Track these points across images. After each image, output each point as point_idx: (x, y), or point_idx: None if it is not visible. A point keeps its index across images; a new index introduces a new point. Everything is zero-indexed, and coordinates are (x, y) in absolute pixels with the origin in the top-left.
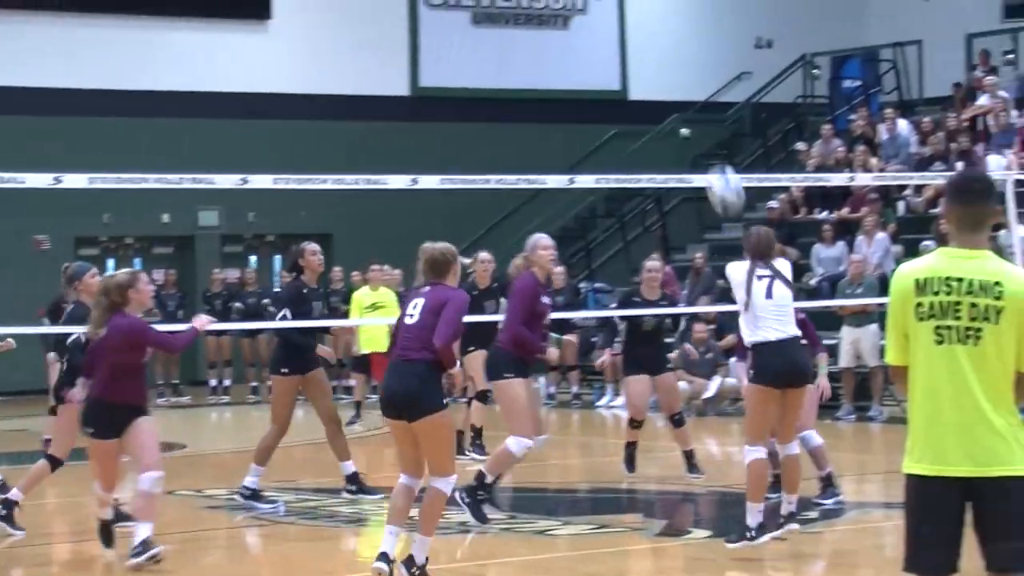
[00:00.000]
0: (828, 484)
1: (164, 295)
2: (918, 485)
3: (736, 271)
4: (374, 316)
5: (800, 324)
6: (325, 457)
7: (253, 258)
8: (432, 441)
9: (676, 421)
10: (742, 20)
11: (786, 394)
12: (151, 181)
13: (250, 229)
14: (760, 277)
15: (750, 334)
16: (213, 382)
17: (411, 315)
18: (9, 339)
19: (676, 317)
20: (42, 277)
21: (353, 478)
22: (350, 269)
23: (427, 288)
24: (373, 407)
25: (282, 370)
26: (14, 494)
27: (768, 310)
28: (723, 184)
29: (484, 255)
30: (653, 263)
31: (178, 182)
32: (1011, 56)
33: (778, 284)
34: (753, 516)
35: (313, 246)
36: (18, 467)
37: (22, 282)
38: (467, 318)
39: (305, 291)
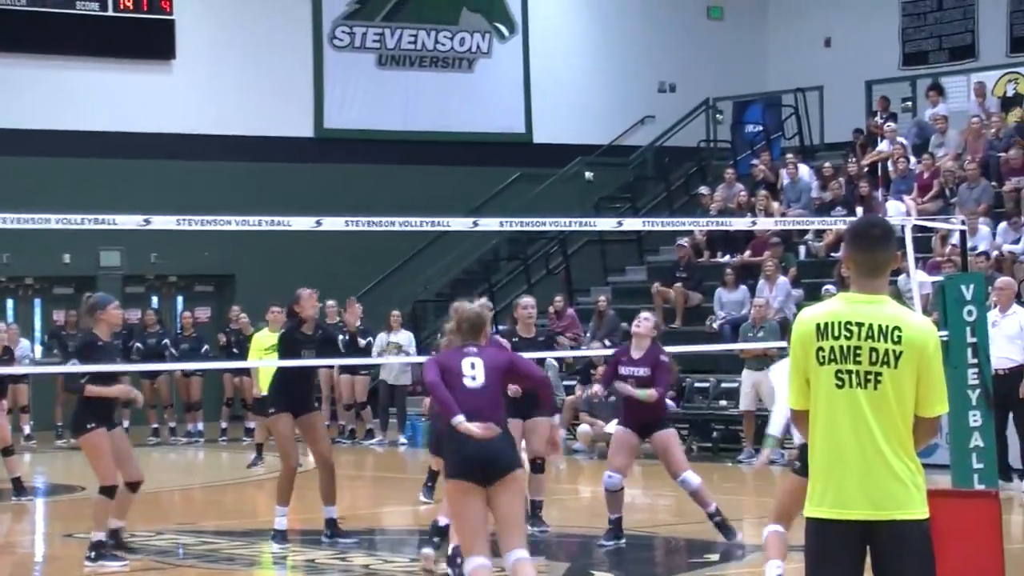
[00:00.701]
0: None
1: (64, 336)
2: (819, 528)
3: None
4: (273, 358)
5: (659, 365)
6: (227, 499)
7: (155, 298)
8: (514, 498)
9: (536, 466)
10: (645, 64)
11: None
12: (53, 221)
13: (152, 270)
14: None
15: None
16: None
17: (472, 377)
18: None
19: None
20: None
21: (331, 523)
22: (252, 310)
23: (472, 349)
24: (272, 448)
25: (270, 410)
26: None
27: None
28: None
29: (527, 300)
30: (527, 300)
31: (80, 222)
32: (909, 103)
33: None
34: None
35: (309, 291)
36: None
37: None
38: None
39: (299, 334)
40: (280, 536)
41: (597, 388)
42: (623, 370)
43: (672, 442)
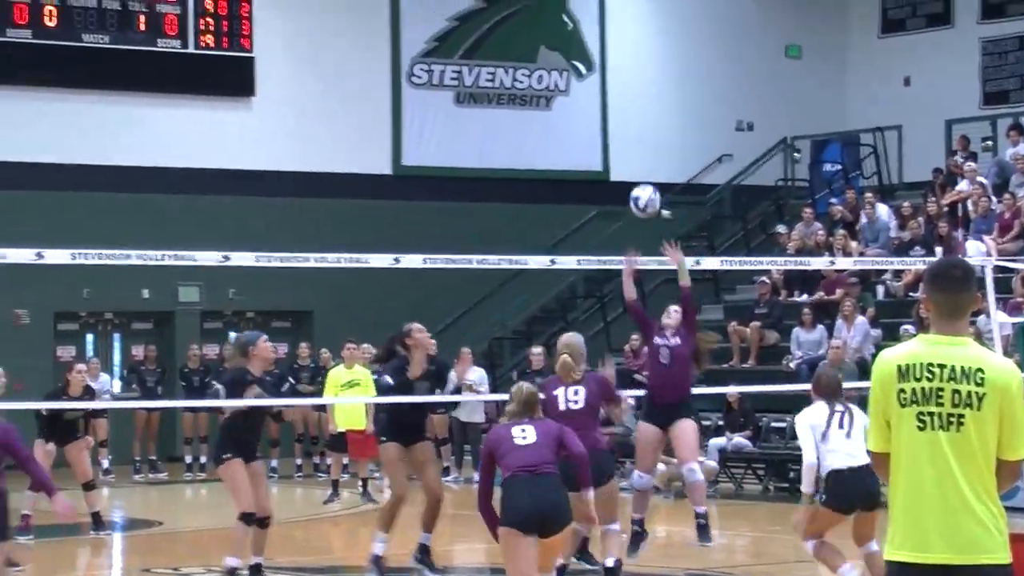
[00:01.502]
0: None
1: (143, 371)
2: (900, 572)
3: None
4: (349, 394)
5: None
6: (302, 535)
7: (232, 334)
8: (554, 549)
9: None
10: (723, 103)
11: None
12: (133, 257)
13: (230, 305)
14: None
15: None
16: (189, 458)
17: (523, 437)
18: None
19: None
20: (22, 351)
21: (424, 550)
22: (330, 346)
23: (526, 420)
24: (348, 485)
25: (381, 438)
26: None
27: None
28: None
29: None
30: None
31: (160, 258)
32: (990, 142)
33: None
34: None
35: (419, 325)
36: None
37: (1, 357)
38: None
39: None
40: (376, 561)
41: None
42: (657, 340)
43: (690, 430)
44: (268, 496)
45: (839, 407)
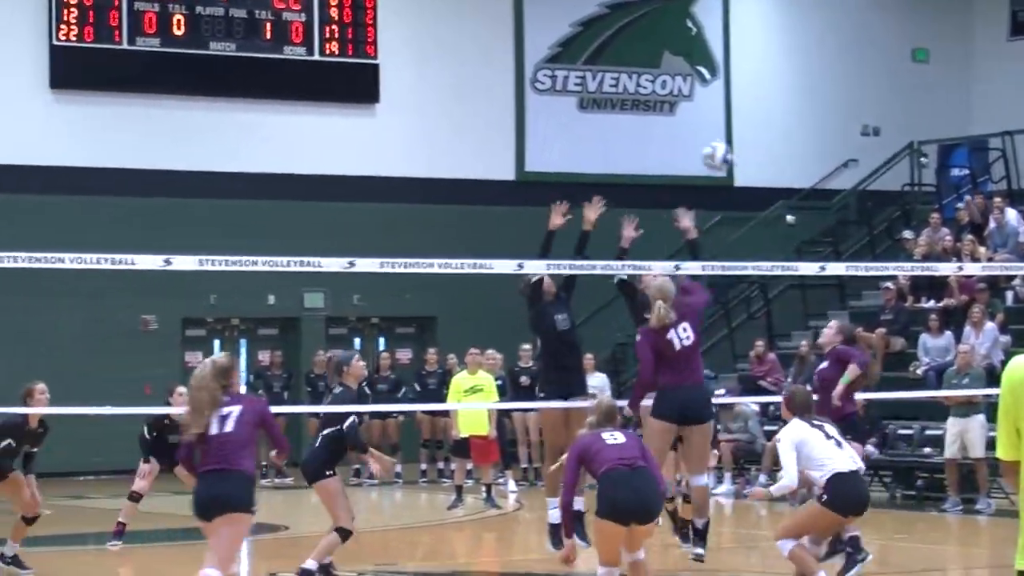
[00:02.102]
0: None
1: (269, 376)
2: None
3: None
4: (472, 400)
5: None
6: (426, 540)
7: (358, 340)
8: (647, 534)
9: None
10: (849, 107)
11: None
12: (259, 263)
13: (355, 311)
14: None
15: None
16: None
17: (614, 439)
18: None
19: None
20: (149, 356)
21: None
22: (453, 352)
23: (609, 428)
24: (471, 491)
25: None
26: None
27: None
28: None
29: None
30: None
31: (286, 265)
32: None
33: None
34: None
35: None
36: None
37: (130, 362)
38: None
39: None
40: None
41: None
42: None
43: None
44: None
45: (816, 422)
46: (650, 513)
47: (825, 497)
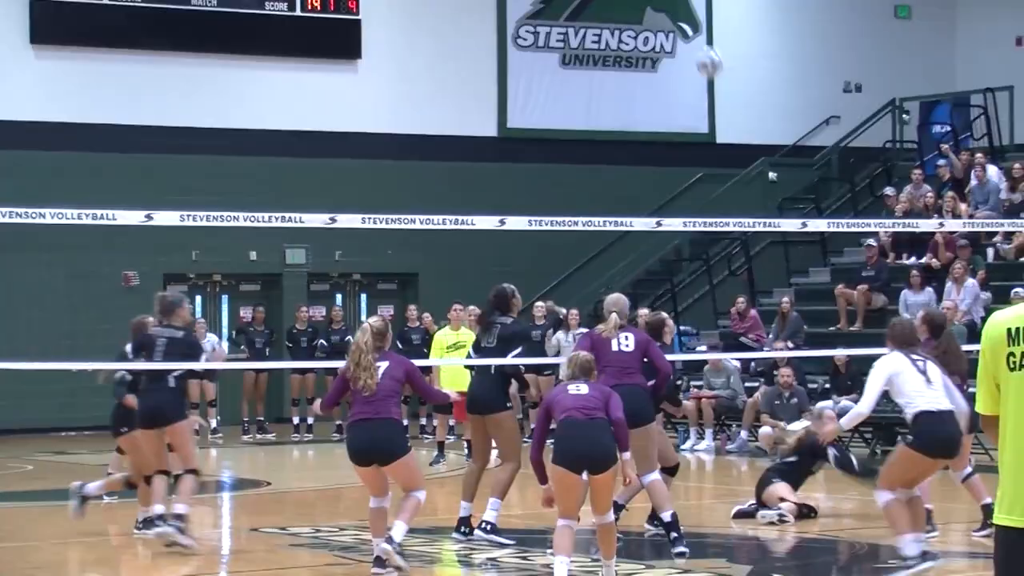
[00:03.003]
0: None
1: (251, 332)
2: (1008, 537)
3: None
4: (455, 356)
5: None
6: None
7: (339, 296)
8: (607, 487)
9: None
10: (831, 64)
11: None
12: (241, 219)
13: (337, 268)
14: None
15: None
16: (296, 420)
17: (577, 390)
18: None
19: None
20: (131, 312)
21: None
22: (434, 308)
23: (581, 380)
24: (454, 447)
25: (507, 404)
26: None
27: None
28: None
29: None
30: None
31: (268, 220)
32: None
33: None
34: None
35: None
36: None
37: (111, 317)
38: None
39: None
40: (494, 529)
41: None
42: None
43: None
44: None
45: (916, 357)
46: (601, 462)
47: (911, 438)
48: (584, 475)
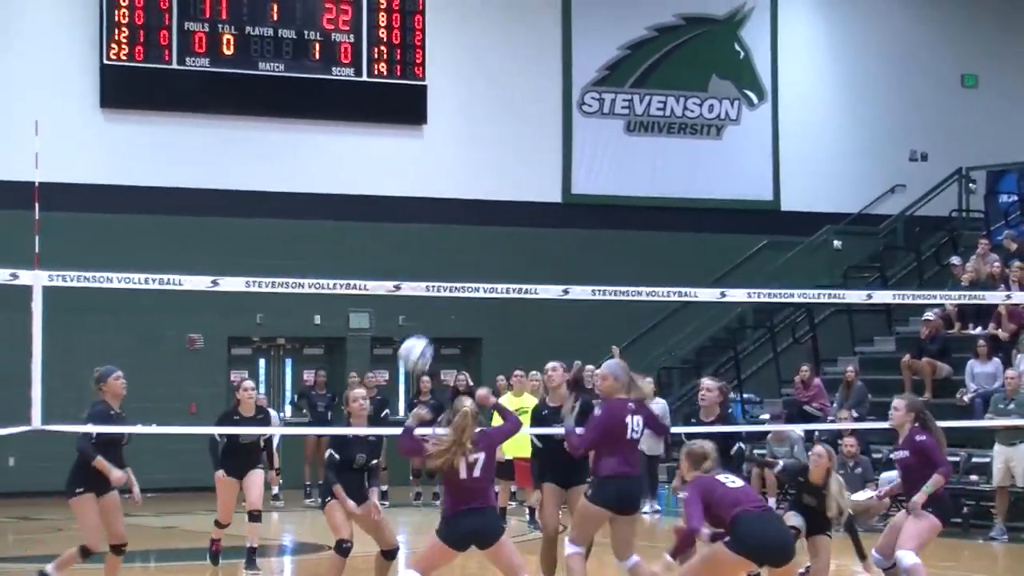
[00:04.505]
0: None
1: (313, 396)
2: None
3: None
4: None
5: (919, 448)
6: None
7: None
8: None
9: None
10: (896, 132)
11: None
12: (305, 285)
13: (401, 332)
14: None
15: None
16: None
17: (733, 482)
18: None
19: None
20: (195, 375)
21: None
22: (498, 374)
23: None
24: (515, 513)
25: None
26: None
27: None
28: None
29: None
30: (708, 382)
31: (332, 287)
32: None
33: None
34: None
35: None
36: (168, 563)
37: (176, 380)
38: None
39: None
40: None
41: None
42: (892, 455)
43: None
44: None
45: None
46: (787, 552)
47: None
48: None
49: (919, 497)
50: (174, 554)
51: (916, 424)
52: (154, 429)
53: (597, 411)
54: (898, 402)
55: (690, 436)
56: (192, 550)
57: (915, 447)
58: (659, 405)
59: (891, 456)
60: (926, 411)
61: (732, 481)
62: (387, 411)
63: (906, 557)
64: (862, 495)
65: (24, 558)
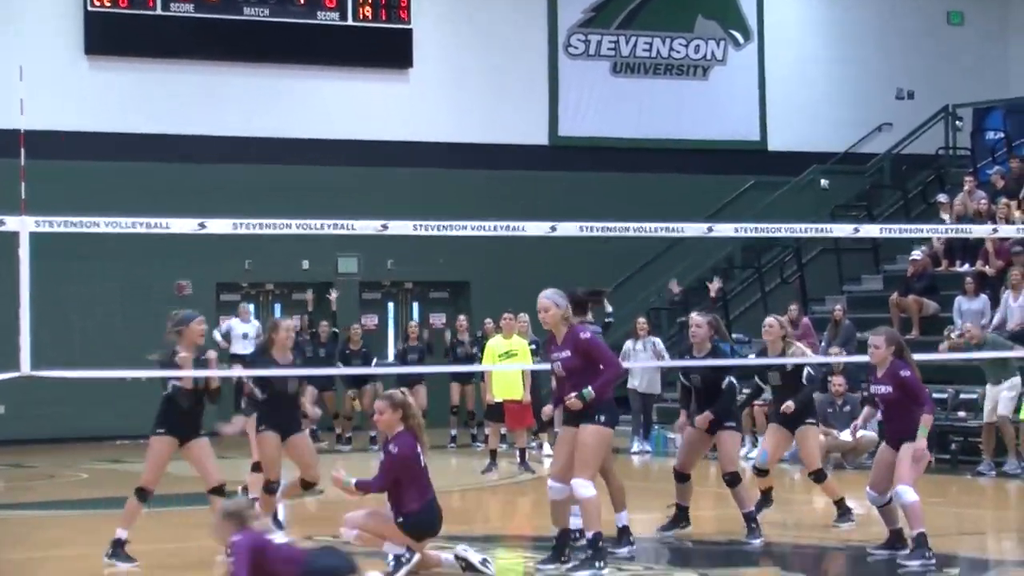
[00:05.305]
0: (920, 544)
1: (301, 341)
2: None
3: None
4: (507, 364)
5: (902, 383)
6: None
7: (391, 305)
8: None
9: (729, 480)
10: (883, 71)
11: None
12: (293, 227)
13: (389, 276)
14: None
15: None
16: (339, 429)
17: None
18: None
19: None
20: None
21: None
22: (487, 316)
23: None
24: (505, 455)
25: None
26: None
27: None
28: None
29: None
30: (696, 317)
31: (319, 227)
32: None
33: None
34: None
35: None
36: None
37: (164, 326)
38: None
39: None
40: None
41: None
42: (871, 388)
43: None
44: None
45: None
46: None
47: None
48: None
49: (920, 443)
50: (169, 499)
51: (897, 358)
52: (238, 373)
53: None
54: (876, 339)
55: (684, 371)
56: (184, 495)
57: (898, 381)
58: (656, 342)
59: (871, 391)
60: (903, 343)
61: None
62: (376, 360)
63: (905, 493)
64: (849, 433)
65: (16, 505)
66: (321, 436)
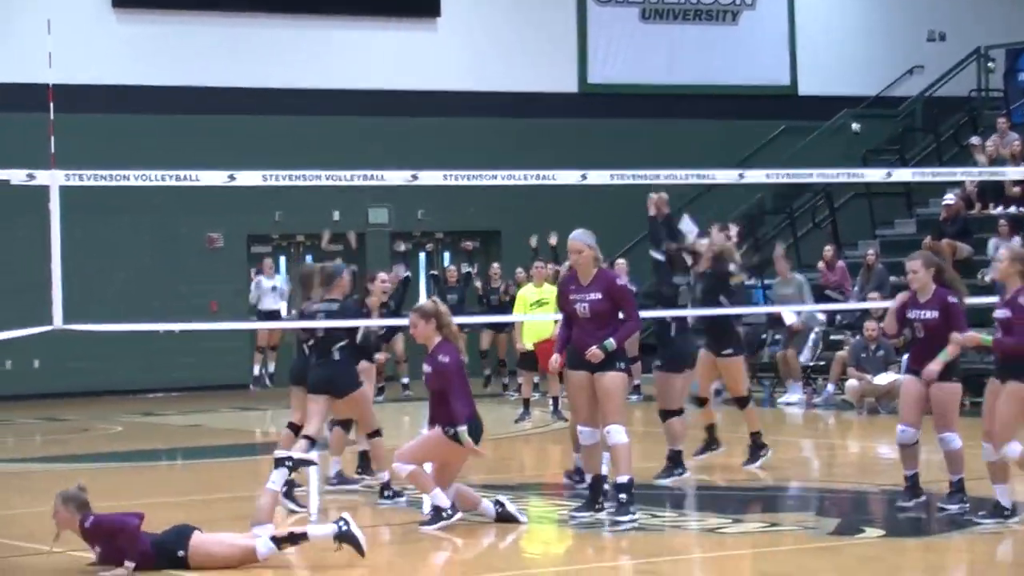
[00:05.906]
0: (957, 490)
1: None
2: None
3: None
4: (538, 312)
5: (946, 308)
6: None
7: (422, 255)
8: None
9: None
10: (914, 13)
11: None
12: (323, 178)
13: (419, 226)
14: None
15: None
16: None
17: None
18: None
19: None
20: (215, 273)
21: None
22: (518, 266)
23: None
24: (539, 404)
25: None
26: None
27: None
28: None
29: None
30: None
31: (350, 179)
32: None
33: None
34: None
35: None
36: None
37: (196, 279)
38: None
39: None
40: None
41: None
42: (910, 313)
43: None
44: None
45: None
46: None
47: None
48: None
49: (935, 365)
50: (201, 451)
51: (939, 283)
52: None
53: None
54: (913, 263)
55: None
56: (217, 447)
57: (944, 306)
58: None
59: (909, 316)
60: (944, 264)
61: None
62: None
63: (954, 440)
64: (884, 378)
65: (50, 458)
66: None
